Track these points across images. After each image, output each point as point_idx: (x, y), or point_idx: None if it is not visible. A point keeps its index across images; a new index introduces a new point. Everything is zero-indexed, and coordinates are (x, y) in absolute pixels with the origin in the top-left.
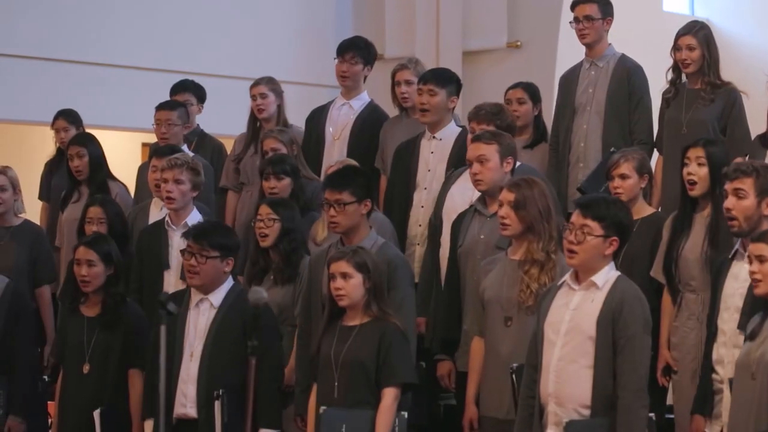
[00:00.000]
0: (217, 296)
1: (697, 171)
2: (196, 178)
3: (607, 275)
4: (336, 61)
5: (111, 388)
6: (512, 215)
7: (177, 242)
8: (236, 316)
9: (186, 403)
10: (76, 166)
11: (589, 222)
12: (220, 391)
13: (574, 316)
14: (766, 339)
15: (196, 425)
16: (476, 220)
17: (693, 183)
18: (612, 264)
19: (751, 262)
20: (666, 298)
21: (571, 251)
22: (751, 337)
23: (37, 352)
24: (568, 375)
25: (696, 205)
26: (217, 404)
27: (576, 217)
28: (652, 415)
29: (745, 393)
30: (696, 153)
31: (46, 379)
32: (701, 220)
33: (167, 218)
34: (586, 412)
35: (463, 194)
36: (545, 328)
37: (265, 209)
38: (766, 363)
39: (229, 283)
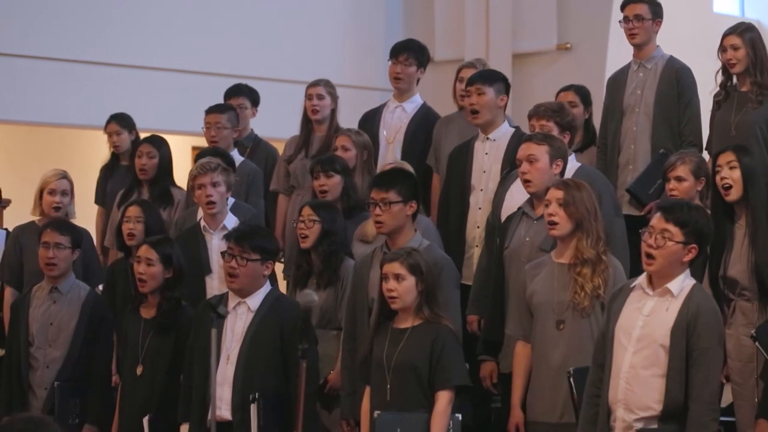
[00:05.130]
0: (255, 300)
1: (730, 174)
2: (228, 177)
3: (682, 283)
4: (389, 63)
5: (160, 392)
6: (561, 213)
7: (217, 246)
8: (273, 320)
9: (221, 406)
10: (143, 164)
11: (671, 227)
12: (256, 394)
13: (647, 322)
14: None
15: (231, 428)
16: (524, 222)
17: (728, 187)
18: (688, 272)
19: None
20: None
21: (649, 255)
22: None
23: (111, 361)
24: (639, 382)
25: (733, 216)
26: (253, 407)
27: (657, 221)
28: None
29: None
30: (727, 158)
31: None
32: (741, 230)
33: (202, 222)
34: (655, 420)
35: (522, 192)
36: (616, 331)
37: (306, 210)
38: None
39: (266, 287)
